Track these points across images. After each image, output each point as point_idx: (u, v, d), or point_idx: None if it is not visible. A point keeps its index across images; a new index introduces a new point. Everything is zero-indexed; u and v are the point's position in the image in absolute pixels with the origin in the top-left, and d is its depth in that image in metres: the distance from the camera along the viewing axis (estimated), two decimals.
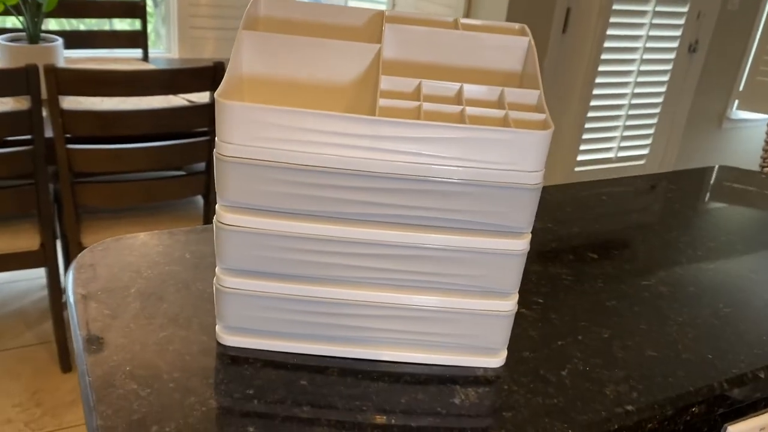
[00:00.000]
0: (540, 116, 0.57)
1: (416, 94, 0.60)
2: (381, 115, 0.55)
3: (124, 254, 0.75)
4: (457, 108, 0.57)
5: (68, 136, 1.80)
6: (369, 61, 0.63)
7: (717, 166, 1.29)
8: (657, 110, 3.46)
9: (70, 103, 1.97)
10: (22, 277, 2.57)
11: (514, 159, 0.54)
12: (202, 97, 2.10)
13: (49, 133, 1.80)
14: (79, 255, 0.74)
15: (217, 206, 0.57)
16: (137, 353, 0.60)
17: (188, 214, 2.10)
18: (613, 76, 3.17)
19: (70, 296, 0.66)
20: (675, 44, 3.30)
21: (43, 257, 1.95)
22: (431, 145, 0.53)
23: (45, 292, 2.43)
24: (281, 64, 0.63)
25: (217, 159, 0.55)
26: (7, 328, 2.26)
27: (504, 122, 0.57)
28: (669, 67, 3.35)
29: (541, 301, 0.75)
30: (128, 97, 1.99)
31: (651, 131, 3.50)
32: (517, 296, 0.61)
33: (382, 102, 0.57)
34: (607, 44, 3.06)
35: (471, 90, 0.60)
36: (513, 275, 0.59)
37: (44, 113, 1.81)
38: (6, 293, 2.49)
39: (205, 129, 1.93)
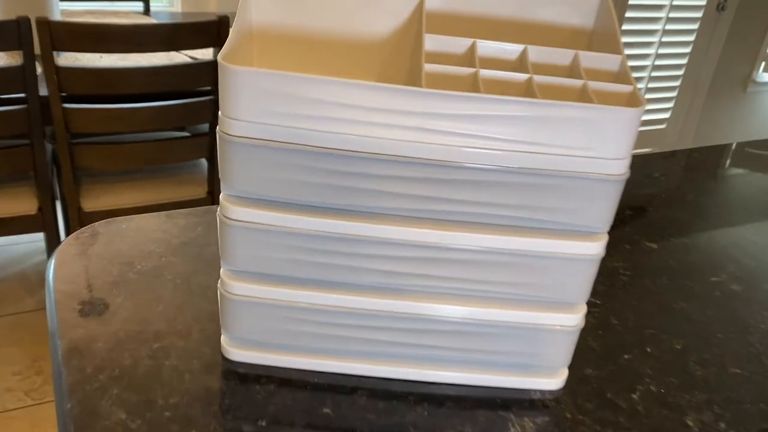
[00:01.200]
0: (626, 88, 0.46)
1: (469, 58, 0.48)
2: (428, 84, 0.44)
3: (115, 242, 0.65)
4: (521, 76, 0.46)
5: (64, 94, 1.68)
6: (408, 13, 0.52)
7: None
8: (681, 72, 3.30)
9: (67, 59, 1.84)
10: (22, 239, 2.48)
11: (595, 143, 0.43)
12: (205, 54, 1.97)
13: (44, 91, 1.68)
14: (63, 242, 0.64)
15: (221, 196, 0.46)
16: (127, 370, 0.49)
17: (193, 178, 1.99)
18: (637, 35, 3.01)
19: (50, 294, 0.56)
20: (703, 1, 3.12)
21: (41, 222, 1.85)
22: (492, 124, 0.42)
23: (45, 256, 2.34)
24: (299, 16, 0.52)
25: (220, 139, 0.44)
26: (6, 293, 2.18)
27: (582, 95, 0.46)
28: (695, 26, 3.18)
29: (599, 302, 0.65)
30: (128, 54, 1.86)
31: (674, 94, 3.34)
32: (585, 308, 0.50)
33: (428, 67, 0.45)
34: (632, 1, 2.90)
35: (537, 53, 0.48)
36: (583, 284, 0.49)
37: (38, 70, 1.69)
38: (5, 256, 2.40)
39: (209, 88, 1.81)
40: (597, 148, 0.43)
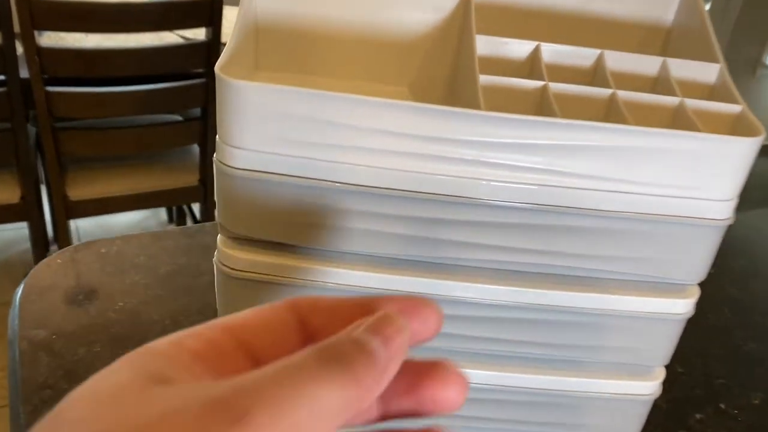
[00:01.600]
0: (732, 108, 0.36)
1: (530, 66, 0.39)
2: (486, 102, 0.34)
3: (92, 271, 0.55)
4: (602, 92, 0.36)
5: (47, 76, 1.57)
6: (450, 6, 0.42)
7: None
8: None
9: (49, 38, 1.72)
10: (7, 226, 2.38)
11: (700, 181, 0.33)
12: (198, 34, 1.85)
13: (25, 73, 1.57)
14: (33, 270, 0.54)
15: (219, 240, 0.36)
16: None
17: (184, 165, 1.88)
18: None
19: (13, 347, 0.46)
20: None
21: (24, 211, 1.74)
22: (570, 157, 0.33)
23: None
24: (316, 6, 0.42)
25: (218, 171, 0.34)
26: None
27: (678, 117, 0.36)
28: (707, 6, 3.07)
29: None
30: (114, 34, 1.75)
31: None
32: (664, 372, 0.41)
33: (484, 80, 0.35)
34: None
35: (616, 60, 0.38)
36: (666, 346, 0.40)
37: (19, 50, 1.58)
38: None
39: (202, 71, 1.70)
40: (702, 187, 0.34)
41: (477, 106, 0.33)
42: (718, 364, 0.54)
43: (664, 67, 0.38)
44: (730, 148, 0.33)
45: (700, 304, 0.39)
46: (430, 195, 0.33)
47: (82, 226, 2.36)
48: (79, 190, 1.76)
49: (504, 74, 0.37)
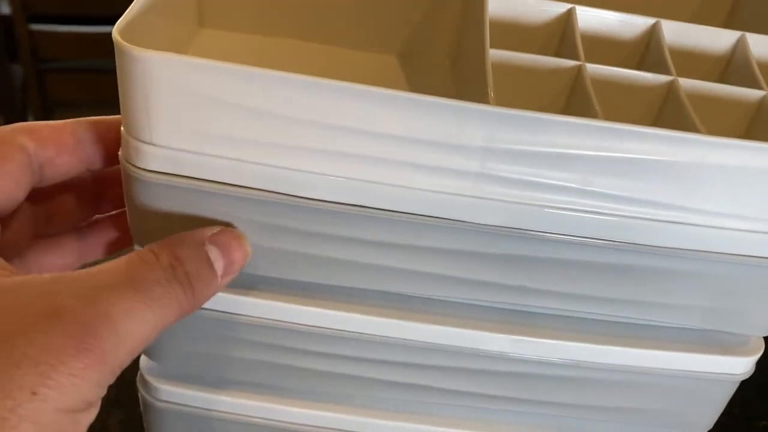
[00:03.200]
0: (755, 93, 0.26)
1: (561, 35, 0.28)
2: (497, 85, 0.25)
3: None
4: (658, 78, 0.26)
5: (31, 13, 1.46)
6: None
7: None
8: None
9: None
10: None
11: None
12: None
13: (6, 9, 1.47)
14: None
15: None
16: None
17: None
18: None
19: None
20: None
21: None
22: (609, 173, 0.23)
23: None
24: None
25: (126, 174, 0.24)
26: None
27: (762, 117, 0.26)
28: None
29: None
30: None
31: None
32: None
33: (496, 55, 0.25)
34: None
35: (676, 31, 0.28)
36: (715, 410, 0.31)
37: None
38: None
39: None
40: None
41: (484, 95, 0.24)
42: (759, 400, 0.46)
43: (741, 45, 0.28)
44: None
45: None
46: (405, 215, 0.24)
47: None
48: None
49: (523, 47, 0.27)
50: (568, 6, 0.28)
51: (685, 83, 0.26)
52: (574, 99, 0.26)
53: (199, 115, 0.22)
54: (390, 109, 0.22)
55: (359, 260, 0.25)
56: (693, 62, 0.29)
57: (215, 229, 0.23)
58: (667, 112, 0.26)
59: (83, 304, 0.18)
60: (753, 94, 0.26)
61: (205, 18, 0.32)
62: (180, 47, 0.30)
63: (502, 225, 0.24)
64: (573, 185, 0.23)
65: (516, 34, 0.29)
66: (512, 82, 0.26)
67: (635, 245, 0.24)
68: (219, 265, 0.23)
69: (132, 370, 0.27)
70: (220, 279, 0.23)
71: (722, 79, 0.28)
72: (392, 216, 0.24)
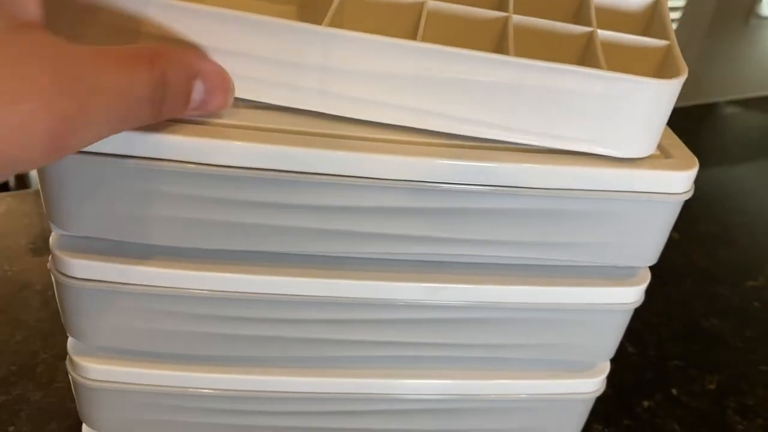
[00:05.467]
0: (658, 43, 0.29)
1: None
2: (343, 21, 0.27)
3: None
4: (495, 14, 0.28)
5: None
6: None
7: None
8: (681, 3, 3.08)
9: None
10: None
11: (603, 132, 0.26)
12: None
13: None
14: None
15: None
16: None
17: None
18: None
19: None
20: None
21: None
22: (437, 95, 0.26)
23: None
24: None
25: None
26: None
27: (587, 51, 0.29)
28: None
29: None
30: None
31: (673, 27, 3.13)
32: (608, 367, 0.35)
33: None
34: None
35: None
36: (611, 340, 0.33)
37: None
38: None
39: None
40: (613, 141, 0.27)
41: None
42: (675, 343, 0.49)
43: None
44: (640, 90, 0.25)
45: (659, 272, 0.32)
46: (297, 175, 0.26)
47: None
48: None
49: None
50: None
51: (519, 19, 0.28)
52: (418, 30, 0.28)
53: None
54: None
55: (267, 223, 0.27)
56: (545, 4, 0.31)
57: (211, 64, 0.24)
58: (502, 43, 0.28)
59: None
60: (578, 30, 0.28)
61: None
62: None
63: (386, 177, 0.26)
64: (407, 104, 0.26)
65: None
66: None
67: (518, 188, 0.27)
68: (195, 100, 0.23)
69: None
70: (187, 112, 0.23)
71: (571, 21, 0.31)
72: (293, 177, 0.26)
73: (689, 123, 0.84)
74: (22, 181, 1.15)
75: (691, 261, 0.58)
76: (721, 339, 0.50)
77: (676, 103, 0.27)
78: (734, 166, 0.75)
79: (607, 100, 0.25)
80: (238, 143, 0.25)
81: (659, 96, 0.26)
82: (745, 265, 0.58)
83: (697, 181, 0.28)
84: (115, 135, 0.22)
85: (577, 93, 0.25)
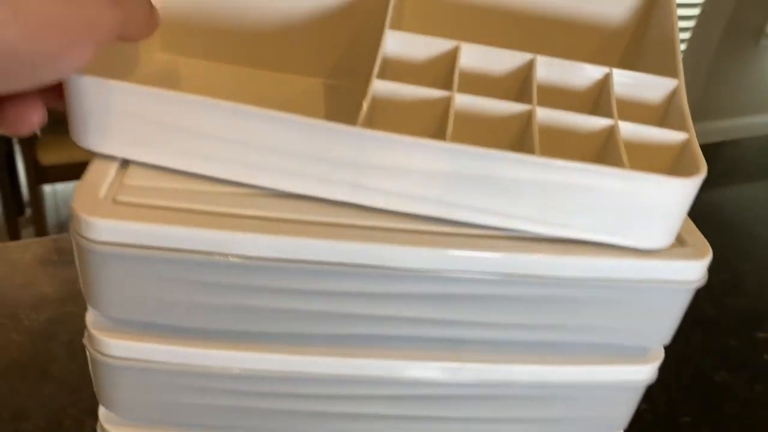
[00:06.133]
0: (677, 135, 0.30)
1: (447, 69, 0.32)
2: (374, 117, 0.28)
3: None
4: (515, 108, 0.30)
5: None
6: None
7: None
8: (691, 24, 3.09)
9: None
10: None
11: (625, 227, 0.28)
12: None
13: None
14: None
15: (87, 320, 0.30)
16: None
17: None
18: None
19: None
20: None
21: None
22: (464, 189, 0.27)
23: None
24: None
25: (78, 248, 0.28)
26: None
27: (608, 143, 0.30)
28: None
29: None
30: None
31: (682, 47, 3.14)
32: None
33: (379, 86, 0.29)
34: None
35: (547, 67, 0.32)
36: (624, 413, 0.34)
37: None
38: None
39: None
40: (630, 235, 0.28)
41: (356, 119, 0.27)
42: (685, 398, 0.49)
43: (606, 81, 0.32)
44: (660, 188, 0.26)
45: None
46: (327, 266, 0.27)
47: (60, 190, 2.29)
48: (50, 155, 1.69)
49: (411, 80, 0.30)
50: (455, 43, 0.32)
51: (542, 113, 0.29)
52: (441, 126, 0.29)
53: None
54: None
55: (293, 307, 0.28)
56: (563, 94, 0.32)
57: None
58: (525, 139, 0.30)
59: None
60: (602, 123, 0.30)
61: (166, 43, 0.36)
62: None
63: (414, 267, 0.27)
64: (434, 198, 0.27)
65: (408, 69, 0.33)
66: (394, 111, 0.30)
67: (539, 277, 0.28)
68: None
69: None
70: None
71: (591, 110, 0.32)
72: (322, 268, 0.27)
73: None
74: (43, 229, 1.16)
75: (701, 311, 0.58)
76: (731, 393, 0.50)
77: None
78: (744, 210, 0.76)
79: (628, 196, 0.27)
80: (262, 235, 0.26)
81: (679, 193, 0.27)
82: (755, 315, 0.59)
83: (706, 228, 0.30)
84: (149, 228, 0.25)
85: (599, 189, 0.26)
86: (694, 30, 3.22)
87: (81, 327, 0.30)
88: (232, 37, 0.37)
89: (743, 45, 3.47)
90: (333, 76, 0.37)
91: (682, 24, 3.03)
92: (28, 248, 0.54)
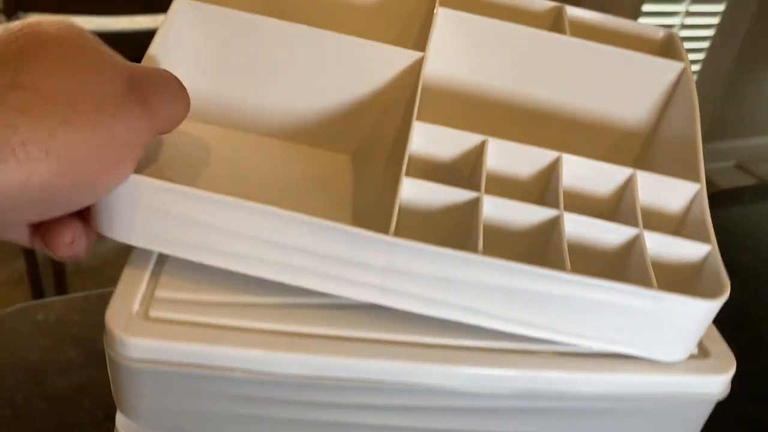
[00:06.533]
0: (701, 249, 0.30)
1: (473, 163, 0.33)
2: (401, 217, 0.29)
3: (22, 341, 0.51)
4: (547, 214, 0.30)
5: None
6: (395, 78, 0.35)
7: None
8: (705, 44, 3.07)
9: None
10: None
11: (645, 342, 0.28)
12: None
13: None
14: None
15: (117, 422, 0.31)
16: None
17: None
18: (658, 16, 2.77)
19: None
20: None
21: None
22: (493, 299, 0.27)
23: None
24: (259, 46, 0.36)
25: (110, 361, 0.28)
26: None
27: (633, 255, 0.30)
28: (721, 7, 2.93)
29: None
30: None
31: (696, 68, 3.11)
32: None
33: (408, 186, 0.30)
34: None
35: (572, 165, 0.33)
36: None
37: None
38: None
39: None
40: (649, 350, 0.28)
41: (386, 226, 0.28)
42: None
43: (629, 183, 0.32)
44: (686, 308, 0.27)
45: None
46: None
47: None
48: None
49: (436, 175, 0.31)
50: (483, 138, 0.32)
51: (569, 219, 0.30)
52: (467, 229, 0.30)
53: None
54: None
55: (318, 419, 0.29)
56: (586, 195, 0.33)
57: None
58: (550, 247, 0.30)
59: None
60: (627, 232, 0.30)
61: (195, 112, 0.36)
62: None
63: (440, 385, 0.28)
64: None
65: (434, 162, 0.33)
66: (419, 210, 0.30)
67: (555, 393, 0.28)
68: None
69: None
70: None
71: (612, 211, 0.32)
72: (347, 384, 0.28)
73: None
74: (64, 288, 1.16)
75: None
76: None
77: None
78: (764, 262, 0.76)
79: (656, 315, 0.27)
80: (283, 354, 0.27)
81: (702, 313, 0.27)
82: (750, 350, 0.58)
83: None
84: (181, 347, 0.26)
85: (627, 306, 0.27)
86: (708, 52, 3.20)
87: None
88: (257, 108, 0.37)
89: (757, 70, 3.44)
90: (356, 152, 0.37)
91: (696, 45, 3.00)
92: (52, 307, 0.55)
